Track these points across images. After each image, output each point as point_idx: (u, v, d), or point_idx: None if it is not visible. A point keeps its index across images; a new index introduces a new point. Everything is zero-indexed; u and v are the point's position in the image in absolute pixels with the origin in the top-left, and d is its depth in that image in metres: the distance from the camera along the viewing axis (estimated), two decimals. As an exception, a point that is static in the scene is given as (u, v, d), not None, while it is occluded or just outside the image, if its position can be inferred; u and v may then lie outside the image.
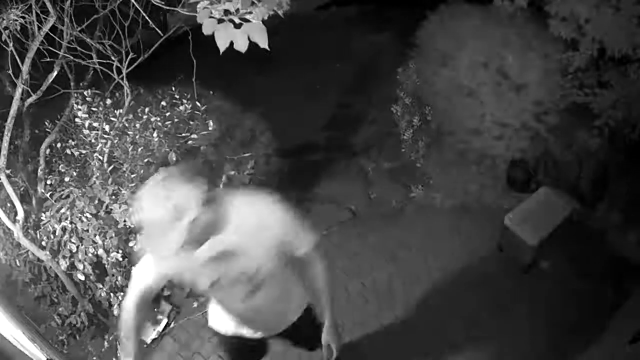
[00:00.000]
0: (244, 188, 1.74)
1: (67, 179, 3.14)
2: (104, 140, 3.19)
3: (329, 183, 4.05)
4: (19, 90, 2.81)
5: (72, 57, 2.93)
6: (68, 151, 3.31)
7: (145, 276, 1.78)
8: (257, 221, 1.62)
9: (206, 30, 1.56)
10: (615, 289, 3.07)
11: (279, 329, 2.05)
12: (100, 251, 2.99)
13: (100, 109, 3.26)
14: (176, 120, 3.39)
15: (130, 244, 3.00)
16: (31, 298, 3.31)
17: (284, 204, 1.68)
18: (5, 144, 2.78)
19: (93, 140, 3.24)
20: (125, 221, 2.95)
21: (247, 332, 2.03)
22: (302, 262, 1.80)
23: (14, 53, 2.70)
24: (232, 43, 1.55)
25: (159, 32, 2.85)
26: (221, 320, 2.06)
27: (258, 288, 1.78)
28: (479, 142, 3.66)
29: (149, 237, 1.50)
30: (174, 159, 3.17)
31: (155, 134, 3.20)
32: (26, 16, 2.58)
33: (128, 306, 1.79)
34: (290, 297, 1.98)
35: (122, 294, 3.16)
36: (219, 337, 2.13)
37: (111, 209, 3.01)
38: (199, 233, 1.51)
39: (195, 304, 3.33)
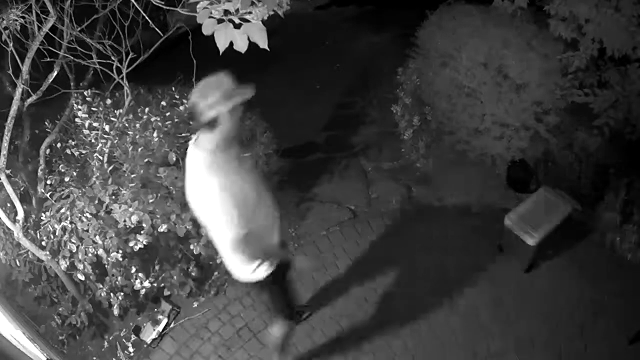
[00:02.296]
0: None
1: (67, 179, 3.14)
2: (104, 140, 3.19)
3: (329, 183, 4.05)
4: (19, 90, 2.81)
5: (72, 57, 2.93)
6: (68, 151, 3.31)
7: None
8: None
9: (206, 31, 1.56)
10: (614, 288, 3.08)
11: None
12: (100, 251, 2.99)
13: (100, 109, 3.26)
14: (176, 120, 3.38)
15: (130, 244, 3.00)
16: (31, 298, 3.32)
17: None
18: (5, 144, 2.78)
19: (93, 140, 3.24)
20: (125, 221, 2.95)
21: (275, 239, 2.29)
22: None
23: (14, 53, 2.70)
24: (232, 43, 1.56)
25: (159, 32, 2.84)
26: (258, 259, 2.15)
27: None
28: (479, 142, 3.65)
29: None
30: (174, 159, 3.16)
31: (155, 134, 3.20)
32: (26, 16, 2.58)
33: None
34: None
35: (122, 293, 3.16)
36: (267, 278, 2.18)
37: (111, 209, 3.01)
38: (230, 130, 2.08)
39: (195, 304, 3.33)
